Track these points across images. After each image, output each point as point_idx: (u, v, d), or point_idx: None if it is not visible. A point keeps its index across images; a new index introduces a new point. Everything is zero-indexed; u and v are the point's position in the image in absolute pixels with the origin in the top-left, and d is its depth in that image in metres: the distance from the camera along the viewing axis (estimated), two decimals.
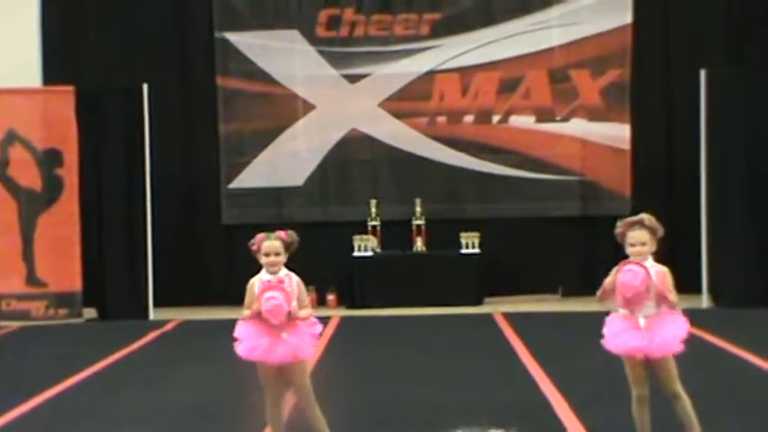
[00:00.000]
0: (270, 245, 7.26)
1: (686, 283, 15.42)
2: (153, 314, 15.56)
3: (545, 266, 16.52)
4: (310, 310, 7.42)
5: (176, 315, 15.48)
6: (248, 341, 7.26)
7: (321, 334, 7.57)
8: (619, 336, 7.18)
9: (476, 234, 16.15)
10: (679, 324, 7.20)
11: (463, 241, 16.17)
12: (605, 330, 7.31)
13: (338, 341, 13.07)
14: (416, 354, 12.18)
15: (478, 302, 15.98)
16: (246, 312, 7.27)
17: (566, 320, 14.48)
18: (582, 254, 16.38)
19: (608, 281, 7.15)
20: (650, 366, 7.20)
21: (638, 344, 7.10)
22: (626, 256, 7.20)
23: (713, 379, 10.19)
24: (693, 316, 14.21)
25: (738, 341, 11.95)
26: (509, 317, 14.59)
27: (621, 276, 7.05)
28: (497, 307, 15.65)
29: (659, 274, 7.11)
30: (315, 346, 7.50)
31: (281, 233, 7.34)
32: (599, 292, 7.26)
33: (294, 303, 7.19)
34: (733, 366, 10.91)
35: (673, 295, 7.15)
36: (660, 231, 7.19)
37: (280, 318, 7.13)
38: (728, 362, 11.15)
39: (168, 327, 14.71)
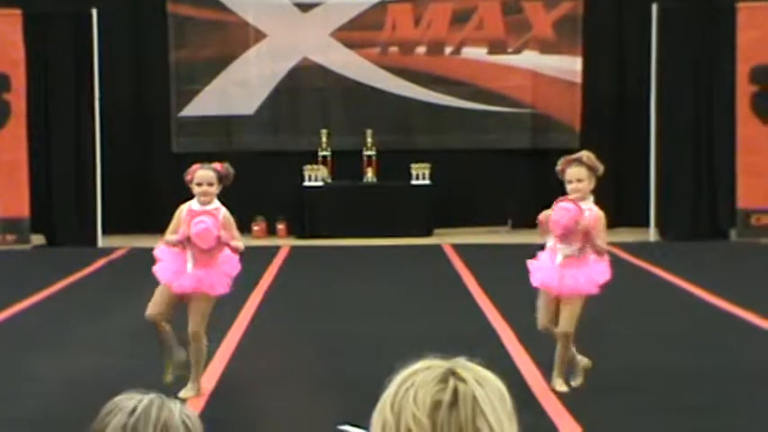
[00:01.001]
0: (203, 174, 7.21)
1: (634, 216, 15.70)
2: (101, 241, 15.48)
3: (495, 198, 16.59)
4: (240, 243, 7.34)
5: (124, 243, 15.41)
6: (162, 262, 7.28)
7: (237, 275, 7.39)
8: (538, 270, 7.31)
9: (426, 165, 16.16)
10: (599, 269, 7.27)
11: (414, 172, 16.19)
12: (530, 264, 7.42)
13: (287, 270, 13.11)
14: (366, 284, 12.25)
15: (428, 233, 16.03)
16: (170, 237, 7.23)
17: (514, 252, 14.50)
18: (531, 186, 16.42)
19: (543, 215, 7.25)
20: (558, 303, 7.30)
21: (550, 280, 7.20)
22: None
23: (656, 310, 10.35)
24: (641, 249, 14.39)
25: (682, 273, 12.12)
26: (458, 248, 14.66)
27: (553, 214, 7.15)
28: (447, 238, 15.72)
29: (593, 217, 7.17)
30: (227, 286, 7.31)
31: (217, 165, 7.31)
32: (539, 226, 7.37)
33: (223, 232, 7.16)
34: (676, 297, 11.07)
35: (601, 240, 7.21)
36: (599, 169, 7.27)
37: (208, 242, 7.09)
38: (672, 292, 11.31)
39: (116, 254, 14.65)
